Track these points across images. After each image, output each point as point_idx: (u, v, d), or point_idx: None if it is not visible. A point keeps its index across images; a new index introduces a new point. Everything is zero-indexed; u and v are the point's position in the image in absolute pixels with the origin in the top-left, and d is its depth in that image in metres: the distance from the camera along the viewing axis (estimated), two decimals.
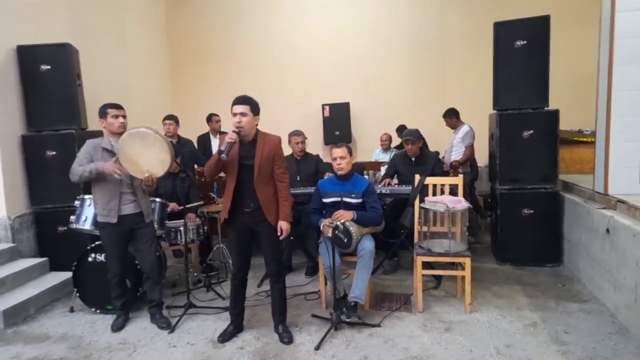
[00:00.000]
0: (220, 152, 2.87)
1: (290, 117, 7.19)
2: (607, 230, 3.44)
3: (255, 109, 2.97)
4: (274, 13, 7.72)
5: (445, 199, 3.59)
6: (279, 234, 3.03)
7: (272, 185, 3.05)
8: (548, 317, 3.35)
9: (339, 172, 3.52)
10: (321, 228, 3.35)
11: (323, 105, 7.32)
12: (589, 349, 2.87)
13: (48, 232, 4.49)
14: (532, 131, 4.40)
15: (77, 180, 3.26)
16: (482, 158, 5.86)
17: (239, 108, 2.91)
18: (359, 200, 3.52)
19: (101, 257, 3.66)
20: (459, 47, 7.23)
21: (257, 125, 3.03)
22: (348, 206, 3.49)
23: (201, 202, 4.45)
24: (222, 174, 5.23)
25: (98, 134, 3.62)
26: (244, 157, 2.98)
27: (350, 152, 3.55)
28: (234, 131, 2.89)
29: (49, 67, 4.42)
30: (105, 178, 3.26)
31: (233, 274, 3.21)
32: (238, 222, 3.07)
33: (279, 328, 3.20)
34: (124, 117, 3.39)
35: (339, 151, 3.50)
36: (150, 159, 3.15)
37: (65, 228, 4.02)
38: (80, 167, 3.22)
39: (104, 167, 3.18)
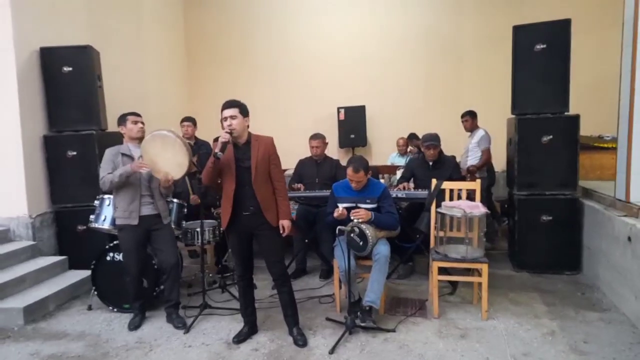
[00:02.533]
0: (214, 154, 2.93)
1: (305, 120, 7.23)
2: (629, 239, 3.37)
3: (244, 111, 3.05)
4: (290, 16, 7.76)
5: (463, 204, 3.56)
6: (281, 231, 3.07)
7: (270, 185, 3.10)
8: (567, 325, 3.29)
9: (353, 187, 3.50)
10: (335, 212, 3.35)
11: (338, 109, 7.32)
12: (609, 359, 2.81)
13: (68, 231, 4.56)
14: (551, 136, 4.34)
15: (109, 188, 3.34)
16: (499, 163, 5.79)
17: (229, 112, 2.99)
18: (374, 205, 3.50)
19: (119, 257, 3.71)
20: (475, 49, 7.18)
21: (248, 126, 3.10)
22: None
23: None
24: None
25: (117, 135, 3.69)
26: (240, 159, 3.03)
27: (366, 172, 3.44)
28: (226, 131, 2.95)
29: (70, 68, 4.51)
30: (128, 181, 3.33)
31: (238, 277, 3.24)
32: (238, 226, 3.10)
33: (293, 331, 3.20)
34: (143, 123, 3.50)
35: (357, 175, 3.39)
36: (169, 161, 3.26)
37: (85, 227, 4.09)
38: (109, 175, 3.31)
39: (131, 167, 3.27)
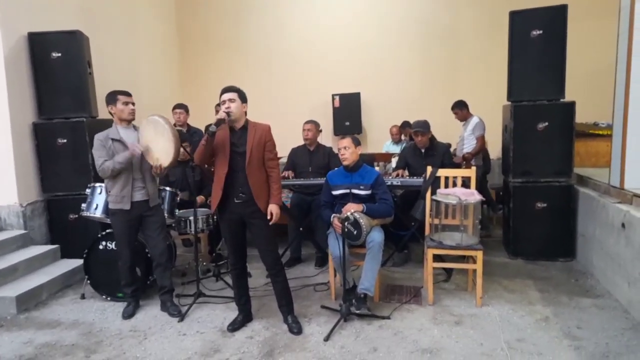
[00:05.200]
0: (208, 130, 2.92)
1: (299, 107, 7.16)
2: (623, 225, 3.38)
3: (242, 96, 3.05)
4: (284, 2, 7.65)
5: (458, 191, 3.54)
6: (268, 217, 3.01)
7: (263, 172, 3.07)
8: (560, 312, 3.31)
9: (344, 163, 3.51)
10: (333, 225, 3.35)
11: (333, 96, 7.26)
12: (602, 344, 2.83)
13: (59, 220, 4.52)
14: (547, 123, 4.33)
15: (110, 175, 3.28)
16: (494, 151, 5.78)
17: (227, 95, 3.00)
18: (368, 192, 3.49)
19: (112, 245, 3.68)
20: (471, 36, 7.12)
21: (245, 113, 3.09)
22: (357, 198, 3.47)
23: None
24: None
25: (108, 122, 3.62)
26: (235, 144, 3.01)
27: (355, 143, 3.53)
28: (224, 111, 2.95)
29: (59, 54, 4.43)
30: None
31: (231, 265, 3.22)
32: (229, 213, 3.07)
33: (288, 318, 3.20)
34: (134, 104, 3.41)
35: (344, 141, 3.52)
36: (159, 148, 3.23)
37: (76, 216, 4.05)
38: (108, 162, 3.23)
39: (130, 150, 3.23)
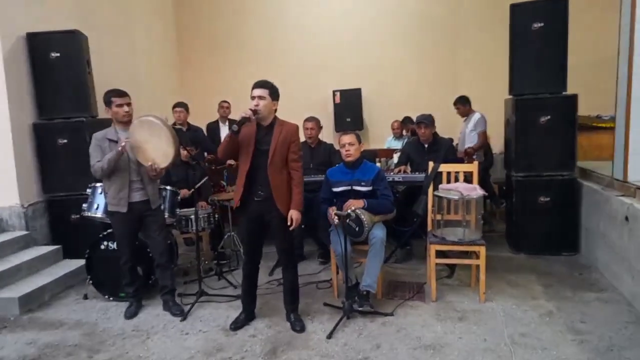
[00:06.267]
0: (231, 128, 2.87)
1: (300, 104, 7.08)
2: (626, 218, 3.35)
3: (273, 93, 2.98)
4: None
5: (460, 186, 3.52)
6: (288, 223, 2.98)
7: (286, 173, 3.02)
8: (564, 306, 3.29)
9: (347, 159, 3.47)
10: (328, 216, 3.32)
11: (334, 92, 7.23)
12: (606, 338, 2.82)
13: (61, 220, 4.51)
14: (549, 117, 4.30)
15: (100, 175, 3.28)
16: (497, 145, 5.75)
17: (258, 91, 2.94)
18: (369, 188, 3.46)
19: (113, 245, 3.67)
20: (472, 30, 7.08)
21: (275, 110, 3.03)
22: (358, 194, 3.44)
23: (207, 181, 4.42)
24: (231, 162, 5.22)
25: (108, 121, 3.60)
26: (259, 142, 2.97)
27: (359, 140, 3.50)
28: (250, 109, 2.88)
29: (58, 54, 4.41)
30: (117, 168, 3.26)
31: (244, 263, 3.20)
32: (249, 211, 3.05)
33: (290, 316, 3.19)
34: (128, 104, 3.35)
35: (348, 138, 3.47)
36: (155, 149, 3.17)
37: (78, 216, 4.04)
38: (98, 163, 3.24)
39: (117, 150, 3.19)
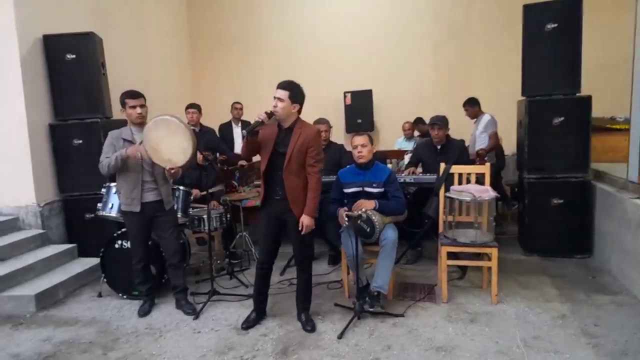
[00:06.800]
0: (243, 133, 2.89)
1: (311, 105, 7.00)
2: None
3: (295, 96, 2.93)
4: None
5: (472, 188, 3.51)
6: (300, 228, 2.97)
7: (302, 177, 2.99)
8: (577, 309, 3.26)
9: (360, 160, 3.47)
10: (339, 217, 3.32)
11: (345, 93, 7.23)
12: (621, 342, 2.79)
13: (76, 219, 4.59)
14: (562, 118, 4.26)
15: (106, 172, 3.32)
16: (509, 146, 5.71)
17: (278, 93, 2.91)
18: (381, 190, 3.46)
19: (127, 244, 3.71)
20: (484, 30, 7.02)
21: (295, 112, 2.98)
22: (369, 196, 3.45)
23: (221, 187, 4.46)
24: (243, 162, 5.24)
25: (122, 122, 3.66)
26: (278, 144, 2.98)
27: (371, 141, 3.50)
28: (265, 112, 2.88)
29: (74, 56, 4.48)
30: (128, 168, 3.30)
31: (259, 262, 3.21)
32: (268, 209, 3.08)
33: (301, 316, 3.20)
34: (142, 106, 3.38)
35: (360, 139, 3.46)
36: (172, 147, 3.17)
37: (93, 215, 4.10)
38: (106, 159, 3.28)
39: (128, 150, 3.23)
